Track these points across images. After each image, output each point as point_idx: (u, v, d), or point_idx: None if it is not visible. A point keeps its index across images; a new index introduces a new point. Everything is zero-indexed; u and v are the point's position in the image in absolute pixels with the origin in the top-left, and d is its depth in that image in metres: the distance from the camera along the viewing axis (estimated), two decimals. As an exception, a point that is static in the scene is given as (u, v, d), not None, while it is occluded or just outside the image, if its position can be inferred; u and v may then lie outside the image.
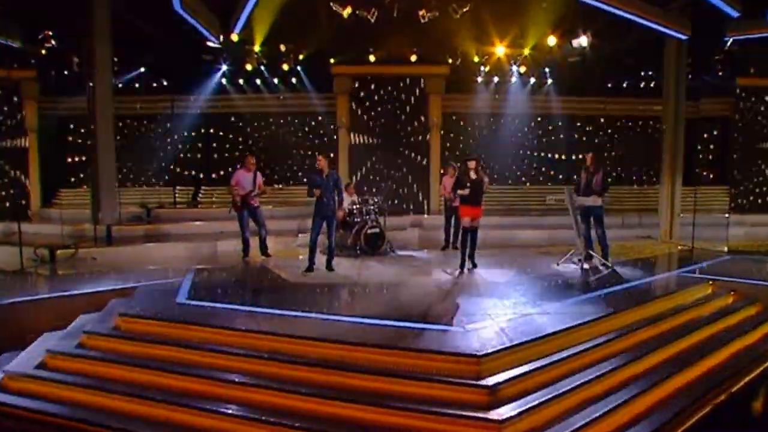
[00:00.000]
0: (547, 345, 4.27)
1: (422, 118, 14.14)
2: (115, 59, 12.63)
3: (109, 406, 4.01)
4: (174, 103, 14.11)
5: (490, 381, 3.59)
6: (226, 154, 14.43)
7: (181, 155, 14.41)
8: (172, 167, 14.16)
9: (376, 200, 9.30)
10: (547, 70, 14.12)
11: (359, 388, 3.76)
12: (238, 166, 8.80)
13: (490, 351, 3.85)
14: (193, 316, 4.92)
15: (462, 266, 7.29)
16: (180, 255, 9.09)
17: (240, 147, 14.43)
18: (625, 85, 14.61)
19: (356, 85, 13.97)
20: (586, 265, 7.72)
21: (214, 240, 9.79)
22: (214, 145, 14.67)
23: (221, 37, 11.21)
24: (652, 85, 14.25)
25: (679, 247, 10.02)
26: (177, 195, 13.85)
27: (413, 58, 13.46)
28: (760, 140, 14.15)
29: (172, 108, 14.14)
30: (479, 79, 14.09)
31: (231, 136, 14.61)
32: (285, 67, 13.62)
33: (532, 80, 14.51)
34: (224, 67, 13.59)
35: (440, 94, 14.00)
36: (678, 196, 10.98)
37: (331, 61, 13.31)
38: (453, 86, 14.12)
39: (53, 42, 10.57)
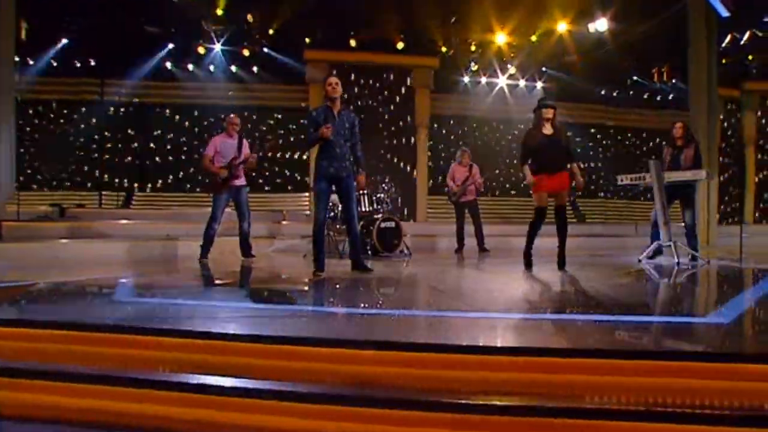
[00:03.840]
0: None
1: (408, 116, 12.23)
2: (24, 26, 10.10)
3: None
4: (104, 89, 11.36)
5: None
6: (166, 154, 11.66)
7: (111, 153, 11.51)
8: (97, 168, 11.24)
9: (386, 188, 7.10)
10: (543, 69, 12.86)
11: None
12: (215, 133, 6.48)
13: None
14: (144, 318, 2.43)
15: (529, 266, 5.14)
16: (106, 256, 6.39)
17: (186, 146, 11.72)
18: (616, 93, 13.59)
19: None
20: (681, 259, 5.98)
21: (155, 240, 7.16)
22: (152, 144, 11.83)
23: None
24: (644, 96, 13.40)
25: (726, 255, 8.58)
26: (103, 201, 10.90)
27: (400, 45, 11.67)
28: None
29: (101, 95, 11.35)
30: (466, 79, 12.56)
31: (172, 132, 11.79)
32: (246, 52, 11.45)
33: (522, 82, 13.19)
34: (170, 46, 11.13)
35: (429, 89, 12.19)
36: (714, 196, 9.64)
37: (307, 40, 11.19)
38: (444, 82, 12.39)
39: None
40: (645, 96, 13.54)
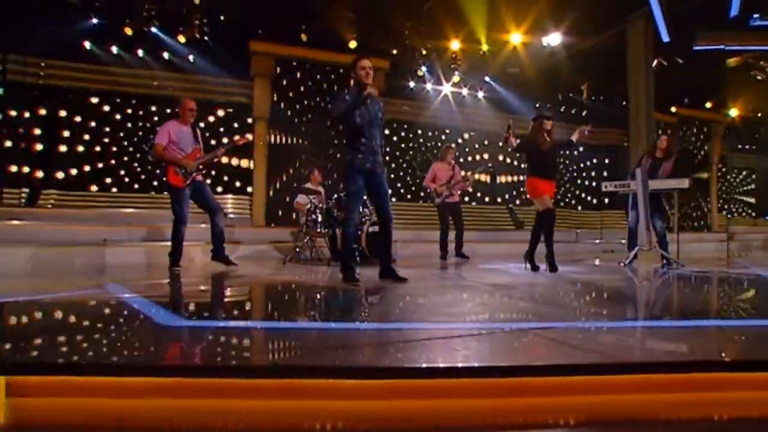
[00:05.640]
0: None
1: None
2: None
3: None
4: (6, 66, 9.61)
5: None
6: (81, 147, 10.09)
7: (11, 141, 9.72)
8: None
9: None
10: (486, 78, 13.15)
11: None
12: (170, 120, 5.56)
13: None
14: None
15: (554, 267, 5.34)
16: (20, 266, 5.27)
17: (103, 139, 10.23)
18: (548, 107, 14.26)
19: (279, 69, 11.17)
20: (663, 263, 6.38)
21: (85, 245, 6.11)
22: (65, 133, 10.14)
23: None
24: (572, 111, 14.24)
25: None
26: (4, 197, 9.18)
27: (353, 44, 11.25)
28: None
29: (3, 72, 9.58)
30: (412, 84, 12.51)
31: (90, 122, 10.18)
32: (182, 38, 10.38)
33: (465, 91, 13.42)
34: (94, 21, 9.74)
35: (379, 91, 11.84)
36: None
37: (258, 31, 10.39)
38: (395, 86, 12.19)
39: None
40: (573, 111, 14.37)
